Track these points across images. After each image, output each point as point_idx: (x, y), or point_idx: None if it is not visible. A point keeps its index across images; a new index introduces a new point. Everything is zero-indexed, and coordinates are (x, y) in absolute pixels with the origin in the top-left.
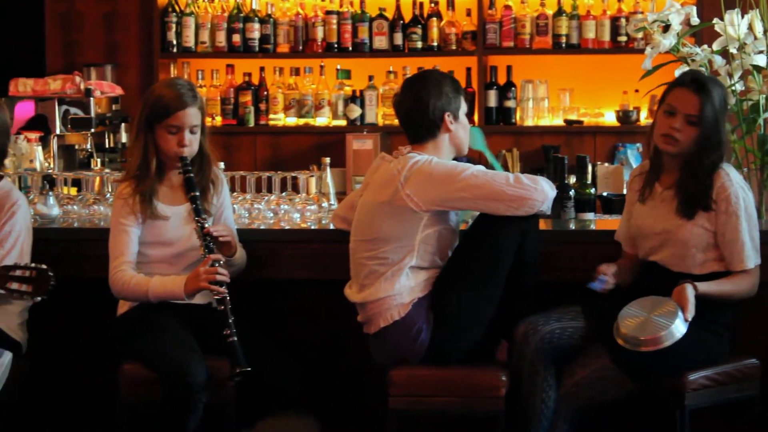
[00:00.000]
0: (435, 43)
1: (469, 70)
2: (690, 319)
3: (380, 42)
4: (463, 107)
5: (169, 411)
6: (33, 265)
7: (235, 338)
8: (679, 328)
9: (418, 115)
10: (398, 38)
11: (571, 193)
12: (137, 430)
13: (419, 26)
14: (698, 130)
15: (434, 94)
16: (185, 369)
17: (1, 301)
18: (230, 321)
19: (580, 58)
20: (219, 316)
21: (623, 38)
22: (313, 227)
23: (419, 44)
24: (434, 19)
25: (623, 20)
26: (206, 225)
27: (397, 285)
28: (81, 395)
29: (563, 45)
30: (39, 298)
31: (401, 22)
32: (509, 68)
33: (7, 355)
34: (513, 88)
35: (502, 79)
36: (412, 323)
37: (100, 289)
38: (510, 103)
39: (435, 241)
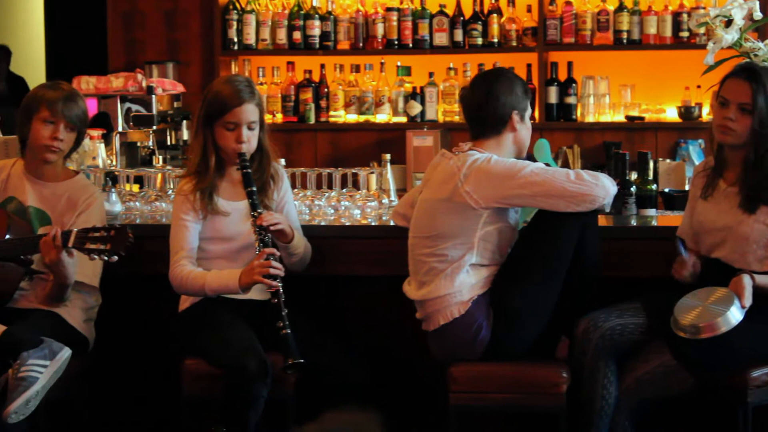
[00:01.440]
0: (495, 40)
1: (529, 66)
2: (747, 306)
3: (440, 38)
4: (529, 110)
5: (230, 405)
6: (111, 224)
7: (289, 331)
8: (735, 314)
9: (486, 109)
10: (458, 35)
11: (633, 189)
12: (199, 425)
13: (480, 23)
14: (752, 119)
15: (506, 91)
16: (246, 364)
17: (72, 293)
18: (283, 314)
19: (642, 54)
20: (272, 309)
21: (685, 34)
22: (373, 224)
23: (479, 41)
24: (495, 15)
25: (685, 15)
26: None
27: (456, 282)
28: (143, 391)
29: (624, 41)
30: (116, 257)
31: (461, 18)
32: (570, 64)
33: (67, 351)
34: (574, 85)
35: (562, 76)
36: (472, 320)
37: (162, 285)
38: (571, 100)
39: (495, 238)
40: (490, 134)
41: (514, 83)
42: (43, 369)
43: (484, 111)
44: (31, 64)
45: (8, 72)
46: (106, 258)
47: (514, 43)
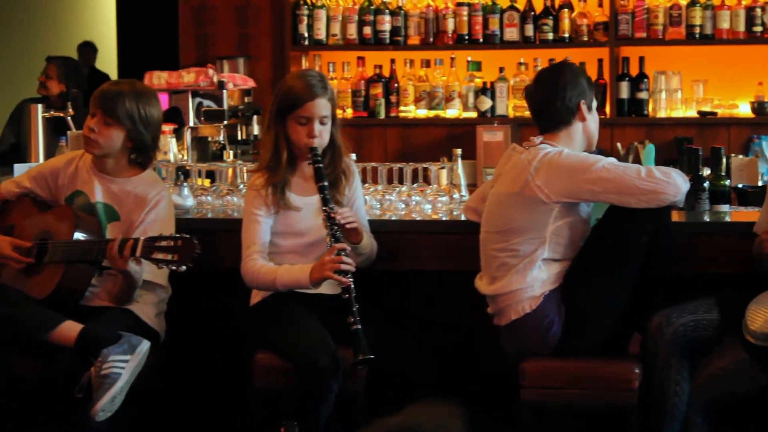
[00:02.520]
0: (566, 35)
1: (600, 61)
2: None
3: (511, 33)
4: (595, 102)
5: (301, 400)
6: (177, 235)
7: (359, 326)
8: None
9: (554, 102)
10: (529, 30)
11: (706, 185)
12: (270, 418)
13: (550, 17)
14: None
15: (571, 83)
16: (317, 358)
17: (141, 289)
18: (354, 309)
19: (714, 49)
20: (343, 304)
21: (758, 28)
22: (444, 218)
23: (550, 36)
24: (566, 10)
25: (758, 10)
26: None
27: (528, 277)
28: (215, 384)
29: (697, 36)
30: (184, 267)
31: (532, 13)
32: (642, 59)
33: (146, 344)
34: (645, 80)
35: (634, 71)
36: (544, 316)
37: (233, 279)
38: (642, 95)
39: (567, 233)
40: (559, 127)
41: (578, 75)
42: (125, 364)
43: (552, 105)
44: (104, 60)
45: (92, 68)
46: (174, 268)
47: (585, 38)
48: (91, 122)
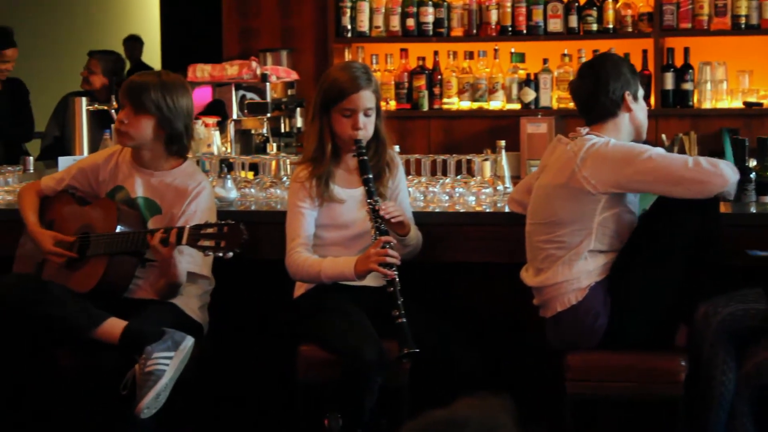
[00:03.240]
0: (611, 26)
1: (645, 52)
2: None
3: (555, 25)
4: (641, 91)
5: (345, 392)
6: (224, 221)
7: (404, 319)
8: None
9: (598, 96)
10: (573, 21)
11: (752, 176)
12: (314, 411)
13: (595, 8)
14: None
15: (614, 74)
16: (361, 350)
17: (185, 281)
18: (399, 302)
19: (760, 39)
20: (388, 297)
21: None
22: (488, 210)
23: (594, 26)
24: (610, 0)
25: None
26: (379, 206)
27: (574, 269)
28: (259, 377)
29: (743, 26)
30: (231, 254)
31: (576, 4)
32: (686, 50)
33: (189, 340)
34: (690, 71)
35: (679, 62)
36: (590, 308)
37: (277, 271)
38: (687, 86)
39: (613, 224)
40: (606, 118)
41: (621, 65)
42: (169, 360)
43: (596, 99)
44: (148, 53)
45: (139, 61)
46: (220, 255)
47: (630, 29)
48: (121, 114)
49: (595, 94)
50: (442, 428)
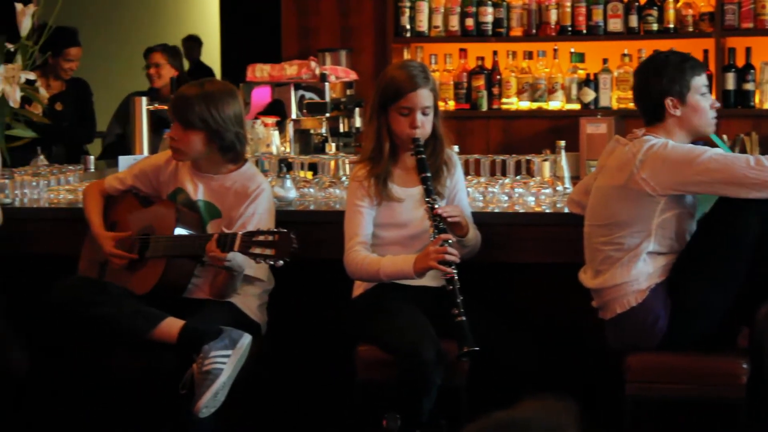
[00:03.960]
0: (671, 25)
1: (706, 52)
2: None
3: (615, 24)
4: (696, 88)
5: (404, 392)
6: (275, 229)
7: (464, 318)
8: None
9: (643, 98)
10: (633, 20)
11: None
12: (373, 411)
13: (655, 8)
14: None
15: (653, 78)
16: (419, 350)
17: (242, 282)
18: (458, 301)
19: None
20: (448, 295)
21: None
22: (547, 211)
23: (655, 26)
24: (671, 0)
25: None
26: (437, 206)
27: (633, 271)
28: (318, 377)
29: None
30: (282, 262)
31: (636, 4)
32: (748, 50)
33: (247, 338)
34: (752, 71)
35: (740, 61)
36: (650, 309)
37: (336, 271)
38: (749, 86)
39: (673, 226)
40: (654, 122)
41: (663, 67)
42: (226, 359)
43: (641, 100)
44: (207, 53)
45: (198, 61)
46: (271, 263)
47: (691, 29)
48: (172, 131)
49: (641, 96)
50: (504, 430)
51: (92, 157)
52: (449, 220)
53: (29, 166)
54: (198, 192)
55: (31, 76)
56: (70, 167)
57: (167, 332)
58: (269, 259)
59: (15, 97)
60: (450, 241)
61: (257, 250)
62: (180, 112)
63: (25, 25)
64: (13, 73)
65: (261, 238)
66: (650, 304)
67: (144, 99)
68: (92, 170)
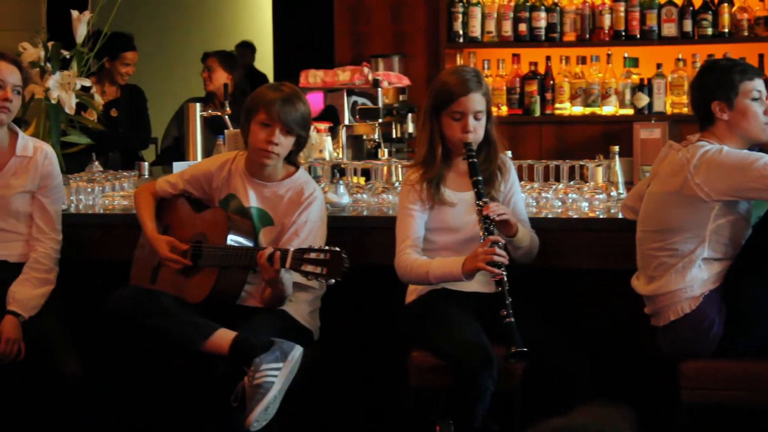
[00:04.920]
0: (726, 30)
1: (761, 56)
2: None
3: (669, 29)
4: (745, 93)
5: (457, 398)
6: (327, 248)
7: (512, 319)
8: None
9: (694, 103)
10: (688, 25)
11: None
12: (426, 417)
13: (710, 12)
14: None
15: (699, 84)
16: (471, 356)
17: (294, 289)
18: (507, 302)
19: None
20: (497, 298)
21: None
22: (601, 216)
23: (709, 31)
24: (725, 4)
25: None
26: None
27: (688, 277)
28: (370, 382)
29: None
30: (333, 281)
31: (691, 8)
32: None
33: (298, 350)
34: None
35: None
36: (704, 316)
37: (389, 276)
38: None
39: (727, 231)
40: (705, 127)
41: (711, 72)
42: (277, 372)
43: (693, 105)
44: (260, 59)
45: (251, 67)
46: (323, 281)
47: (746, 33)
48: (271, 135)
49: (692, 102)
50: None
51: (146, 163)
52: (497, 218)
53: (84, 172)
54: (250, 199)
55: (87, 82)
56: (125, 173)
57: (219, 344)
58: (320, 278)
59: (70, 103)
60: (499, 243)
61: (308, 268)
62: (289, 114)
63: (81, 31)
64: (69, 80)
65: (313, 255)
66: (704, 310)
67: (198, 105)
68: (146, 176)
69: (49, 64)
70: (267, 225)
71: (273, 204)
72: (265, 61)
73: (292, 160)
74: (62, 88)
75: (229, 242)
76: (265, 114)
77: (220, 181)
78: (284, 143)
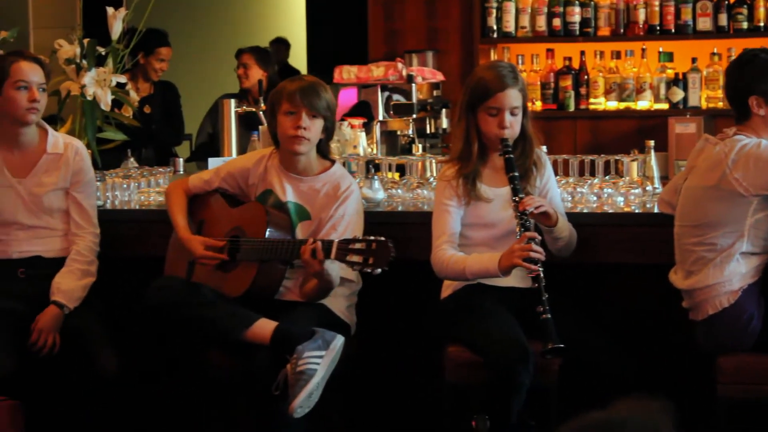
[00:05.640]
0: (761, 24)
1: None
2: None
3: (704, 23)
4: None
5: (493, 393)
6: (372, 237)
7: (549, 315)
8: None
9: (730, 96)
10: (723, 19)
11: None
12: (462, 412)
13: (745, 6)
14: None
15: (738, 77)
16: (507, 351)
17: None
18: (544, 298)
19: None
20: (533, 293)
21: None
22: (637, 211)
23: (745, 25)
24: None
25: None
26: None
27: (726, 271)
28: (406, 377)
29: None
30: (380, 270)
31: (726, 2)
32: None
33: (340, 339)
34: None
35: None
36: (743, 310)
37: (425, 271)
38: None
39: (766, 226)
40: (742, 120)
41: (748, 66)
42: (320, 360)
43: (729, 98)
44: (294, 55)
45: (285, 63)
46: (368, 271)
47: None
48: (298, 120)
49: (728, 96)
50: (600, 429)
51: (181, 160)
52: (535, 211)
53: (120, 168)
54: (287, 193)
55: (122, 79)
56: (160, 169)
57: (260, 333)
58: (367, 267)
59: (106, 100)
60: (536, 239)
61: (354, 258)
62: (310, 99)
63: (116, 28)
64: (105, 77)
65: (358, 246)
66: (743, 304)
67: (232, 101)
68: (181, 172)
69: (84, 61)
70: (304, 219)
71: (310, 198)
72: (298, 58)
73: (325, 153)
74: (98, 85)
75: (267, 236)
76: (288, 103)
77: (256, 177)
78: (312, 128)
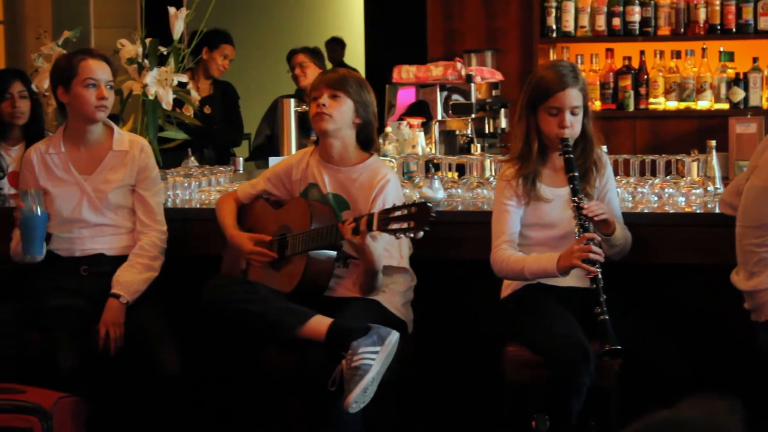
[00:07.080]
0: None
1: None
2: None
3: (765, 23)
4: None
5: (552, 393)
6: (410, 203)
7: (607, 317)
8: None
9: None
10: None
11: None
12: (522, 412)
13: None
14: None
15: None
16: (567, 351)
17: (386, 277)
18: (602, 300)
19: None
20: (591, 294)
21: None
22: (698, 211)
23: None
24: None
25: None
26: (584, 204)
27: None
28: (465, 376)
29: None
30: (422, 233)
31: None
32: None
33: (395, 335)
34: None
35: None
36: None
37: (483, 271)
38: None
39: None
40: None
41: None
42: (375, 355)
43: None
44: (351, 55)
45: (341, 62)
46: (411, 235)
47: None
48: (319, 101)
49: None
50: (667, 428)
51: (241, 159)
52: (596, 218)
53: (181, 167)
54: (327, 185)
55: (183, 78)
56: (221, 168)
57: (316, 329)
58: (409, 232)
59: (168, 99)
60: (595, 240)
61: (395, 226)
62: (332, 82)
63: (178, 28)
64: (166, 76)
65: (398, 213)
66: None
67: (292, 101)
68: (241, 171)
69: (146, 61)
70: (344, 209)
71: (347, 189)
72: (356, 58)
73: (366, 144)
74: (159, 84)
75: (312, 228)
76: (313, 90)
77: (299, 172)
78: (335, 106)
